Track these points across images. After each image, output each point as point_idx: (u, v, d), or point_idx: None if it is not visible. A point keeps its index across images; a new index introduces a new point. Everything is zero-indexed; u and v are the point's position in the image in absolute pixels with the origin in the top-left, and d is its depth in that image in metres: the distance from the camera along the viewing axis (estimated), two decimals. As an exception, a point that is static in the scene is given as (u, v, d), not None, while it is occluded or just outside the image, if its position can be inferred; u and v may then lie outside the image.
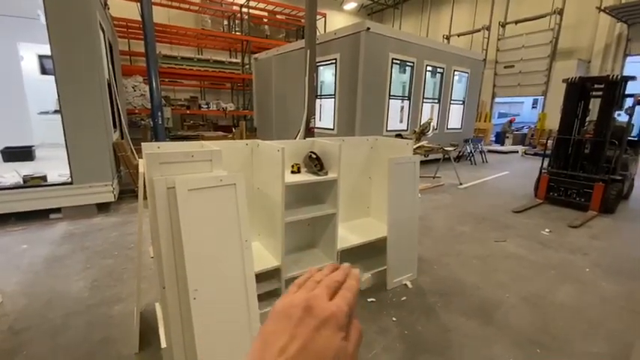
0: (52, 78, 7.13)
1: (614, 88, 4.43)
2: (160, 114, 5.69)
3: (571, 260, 3.25)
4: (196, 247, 1.63)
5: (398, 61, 7.05)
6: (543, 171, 5.25)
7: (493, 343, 2.06)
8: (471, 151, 8.87)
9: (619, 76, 4.39)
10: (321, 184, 2.31)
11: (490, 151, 10.65)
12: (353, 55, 6.58)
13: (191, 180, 1.61)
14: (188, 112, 11.13)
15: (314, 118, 6.51)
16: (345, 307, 0.32)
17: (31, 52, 6.66)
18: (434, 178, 6.60)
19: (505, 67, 13.78)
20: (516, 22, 13.39)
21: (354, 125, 6.78)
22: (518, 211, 4.74)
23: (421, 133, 6.07)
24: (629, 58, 11.38)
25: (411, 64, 7.35)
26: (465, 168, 7.86)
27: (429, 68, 7.75)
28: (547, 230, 4.02)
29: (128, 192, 5.05)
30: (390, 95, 7.13)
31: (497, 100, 14.58)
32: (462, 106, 9.11)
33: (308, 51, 6.15)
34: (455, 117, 8.97)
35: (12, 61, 6.11)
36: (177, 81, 12.20)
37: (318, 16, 14.84)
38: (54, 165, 4.80)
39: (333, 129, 7.37)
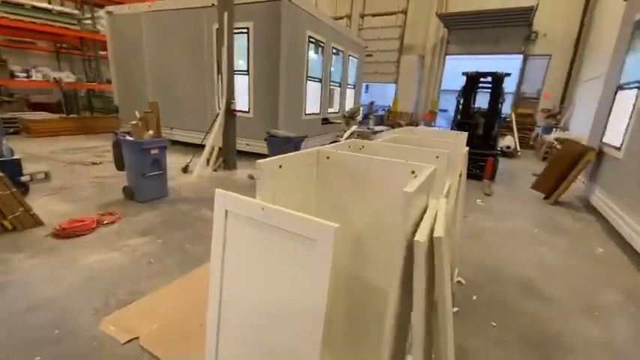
0: None
1: (500, 82, 5.64)
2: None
3: (522, 226, 4.01)
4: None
5: (313, 40, 6.68)
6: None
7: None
8: (364, 133, 9.67)
9: (504, 73, 5.62)
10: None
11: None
12: (272, 27, 5.76)
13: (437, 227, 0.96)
14: (-6, 82, 7.26)
15: (234, 100, 5.42)
16: None
17: None
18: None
19: (367, 56, 15.48)
20: (373, 15, 15.11)
21: (277, 108, 6.08)
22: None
23: (350, 118, 6.06)
24: (447, 57, 14.83)
25: (322, 45, 7.13)
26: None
27: (334, 50, 7.74)
28: (479, 201, 4.85)
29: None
30: (307, 77, 6.74)
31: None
32: (353, 90, 9.69)
33: (225, 13, 4.92)
34: (349, 101, 9.47)
35: None
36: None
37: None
38: None
39: (248, 111, 6.39)
